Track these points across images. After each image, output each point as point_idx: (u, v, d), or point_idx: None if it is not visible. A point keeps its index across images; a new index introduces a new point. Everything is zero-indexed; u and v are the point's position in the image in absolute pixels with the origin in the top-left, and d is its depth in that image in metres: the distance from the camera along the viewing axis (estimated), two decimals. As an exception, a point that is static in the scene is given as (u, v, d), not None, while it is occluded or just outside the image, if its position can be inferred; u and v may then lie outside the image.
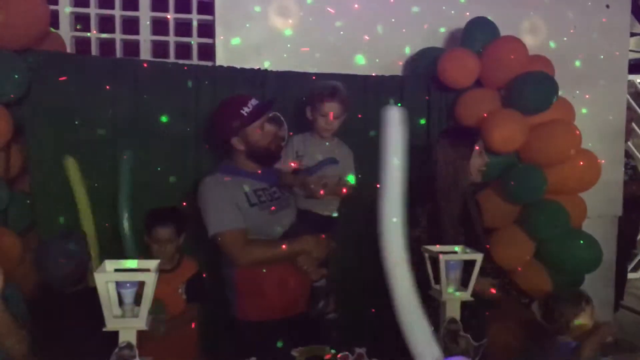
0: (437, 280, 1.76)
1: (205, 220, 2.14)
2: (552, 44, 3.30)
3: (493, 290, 2.29)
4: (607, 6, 3.48)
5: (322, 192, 2.23)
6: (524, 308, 2.38)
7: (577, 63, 3.37)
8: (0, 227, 2.35)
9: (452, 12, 3.17)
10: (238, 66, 2.72)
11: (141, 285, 1.43)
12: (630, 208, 3.75)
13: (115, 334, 1.45)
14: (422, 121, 2.97)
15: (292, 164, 2.36)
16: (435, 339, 1.09)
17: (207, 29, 3.10)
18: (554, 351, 2.28)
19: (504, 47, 2.89)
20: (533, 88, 2.83)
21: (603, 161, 3.03)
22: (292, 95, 2.65)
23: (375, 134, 2.51)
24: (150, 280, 1.41)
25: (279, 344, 2.01)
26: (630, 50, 3.78)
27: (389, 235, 1.07)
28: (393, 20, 3.10)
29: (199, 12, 3.10)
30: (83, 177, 2.42)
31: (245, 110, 2.17)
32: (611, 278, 3.66)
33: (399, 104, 2.92)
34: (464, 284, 1.77)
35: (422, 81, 2.98)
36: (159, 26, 3.09)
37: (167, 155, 2.59)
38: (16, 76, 2.29)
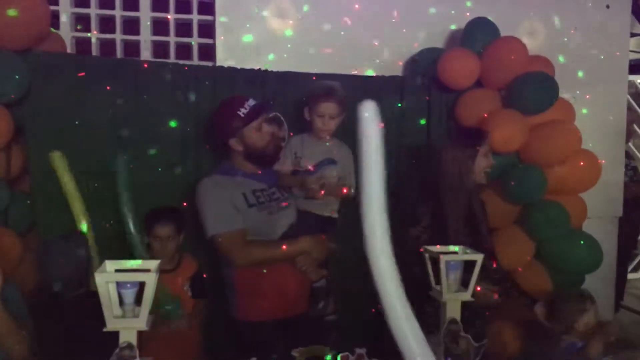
0: (438, 280, 1.76)
1: (203, 222, 2.13)
2: (552, 45, 3.29)
3: (496, 296, 2.29)
4: (608, 6, 3.48)
5: (322, 192, 2.22)
6: (526, 309, 2.38)
7: (575, 61, 3.38)
8: (1, 227, 2.35)
9: (453, 12, 3.17)
10: (238, 66, 2.73)
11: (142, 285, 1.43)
12: (630, 209, 3.75)
13: (115, 335, 1.45)
14: (423, 121, 2.97)
15: (291, 165, 2.36)
16: (426, 341, 1.07)
17: (207, 29, 3.10)
18: (560, 351, 2.28)
19: (504, 47, 2.89)
20: (533, 88, 2.83)
21: (603, 161, 3.03)
22: (292, 96, 2.65)
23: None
24: (150, 280, 1.41)
25: (279, 345, 2.00)
26: (631, 51, 3.78)
27: (371, 237, 1.05)
28: (393, 20, 3.10)
29: (200, 12, 3.10)
30: (70, 171, 2.39)
31: (242, 111, 2.17)
32: (612, 278, 3.66)
33: (399, 104, 2.93)
34: (465, 284, 1.77)
35: (423, 81, 2.98)
36: (160, 26, 3.09)
37: (168, 155, 2.59)
38: (17, 76, 2.30)
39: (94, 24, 2.99)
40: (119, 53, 3.03)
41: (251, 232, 2.15)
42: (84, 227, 2.39)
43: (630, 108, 4.57)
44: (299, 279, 2.25)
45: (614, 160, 3.54)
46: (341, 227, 2.44)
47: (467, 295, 1.75)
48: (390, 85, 2.91)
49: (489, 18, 3.00)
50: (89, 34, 2.99)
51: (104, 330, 1.42)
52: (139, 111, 2.56)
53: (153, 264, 1.49)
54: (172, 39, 3.09)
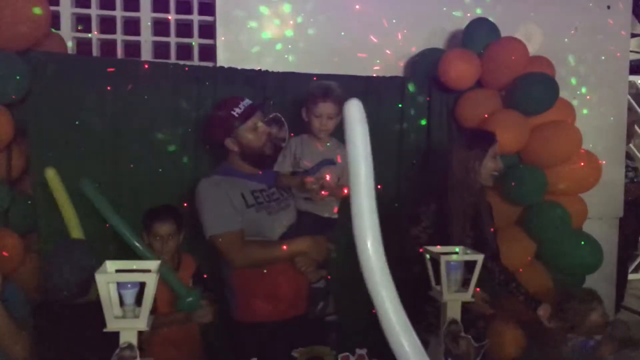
0: (438, 280, 1.76)
1: (202, 222, 2.13)
2: (553, 45, 3.29)
3: (487, 312, 2.29)
4: (608, 7, 3.48)
5: (322, 193, 2.22)
6: (528, 310, 2.37)
7: (576, 62, 3.38)
8: (2, 228, 2.35)
9: (453, 12, 3.17)
10: (239, 67, 2.73)
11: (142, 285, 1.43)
12: (631, 209, 3.75)
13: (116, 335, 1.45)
14: (423, 122, 2.97)
15: (290, 166, 2.36)
16: (420, 342, 1.05)
17: (208, 30, 3.10)
18: (570, 350, 2.28)
19: (504, 48, 2.89)
20: (533, 89, 2.83)
21: (604, 162, 3.03)
22: (292, 96, 2.65)
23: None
24: (151, 281, 1.41)
25: (279, 346, 2.00)
26: (632, 51, 3.79)
27: (360, 238, 1.02)
28: (394, 21, 3.10)
29: (200, 12, 3.10)
30: (65, 187, 2.34)
31: (236, 111, 2.17)
32: (612, 279, 3.65)
33: (400, 105, 2.93)
34: (467, 284, 1.77)
35: (423, 82, 2.98)
36: (160, 27, 3.09)
37: (168, 156, 2.59)
38: (17, 77, 2.30)
39: (94, 24, 3.00)
40: (120, 53, 3.03)
41: (250, 233, 2.15)
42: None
43: (630, 109, 4.57)
44: (298, 279, 2.24)
45: (615, 160, 3.53)
46: (341, 228, 2.44)
47: (467, 296, 1.75)
48: (391, 86, 2.91)
49: (490, 19, 3.01)
50: (89, 35, 2.99)
51: (105, 330, 1.42)
52: (139, 111, 2.56)
53: (153, 264, 1.49)
54: (172, 40, 3.09)
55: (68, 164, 2.39)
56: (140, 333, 1.46)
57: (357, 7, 3.05)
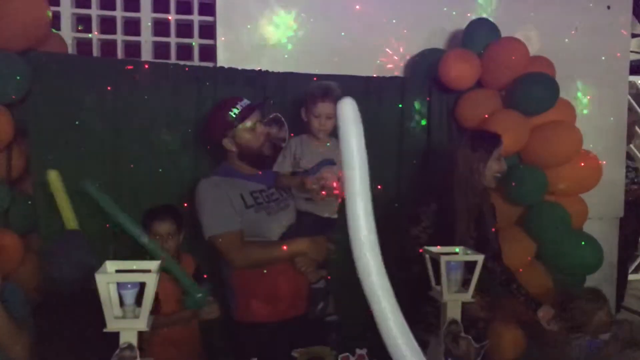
0: (438, 280, 1.76)
1: (202, 223, 2.13)
2: (553, 45, 3.29)
3: (484, 313, 2.29)
4: (609, 7, 3.48)
5: (322, 193, 2.22)
6: (529, 310, 2.37)
7: (576, 62, 3.37)
8: (2, 228, 2.36)
9: (454, 13, 3.17)
10: (239, 67, 2.73)
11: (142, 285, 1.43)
12: (631, 209, 3.75)
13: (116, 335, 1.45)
14: (423, 122, 2.97)
15: (290, 166, 2.36)
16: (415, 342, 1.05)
17: (208, 30, 3.10)
18: (575, 350, 2.27)
19: (505, 48, 2.89)
20: (534, 89, 2.83)
21: (604, 162, 3.03)
22: (293, 97, 2.65)
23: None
24: (151, 281, 1.41)
25: (279, 346, 2.00)
26: (632, 52, 3.78)
27: (356, 239, 1.01)
28: (394, 21, 3.10)
29: (200, 13, 3.10)
30: (66, 189, 2.32)
31: (233, 111, 2.17)
32: (612, 279, 3.65)
33: (400, 105, 2.93)
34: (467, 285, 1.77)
35: (423, 82, 2.98)
36: (160, 27, 3.09)
37: (168, 156, 2.59)
38: (18, 77, 2.30)
39: (94, 24, 2.99)
40: (120, 54, 3.03)
41: (249, 233, 2.15)
42: None
43: (631, 109, 4.57)
44: (297, 280, 2.24)
45: (615, 160, 3.53)
46: (341, 228, 2.44)
47: (467, 296, 1.75)
48: (391, 87, 2.91)
49: (490, 19, 3.00)
50: (90, 35, 2.99)
51: (105, 331, 1.42)
52: (139, 112, 2.56)
53: (154, 264, 1.49)
54: (172, 40, 3.09)
55: (68, 164, 2.39)
56: (140, 333, 1.46)
57: (357, 7, 3.05)
